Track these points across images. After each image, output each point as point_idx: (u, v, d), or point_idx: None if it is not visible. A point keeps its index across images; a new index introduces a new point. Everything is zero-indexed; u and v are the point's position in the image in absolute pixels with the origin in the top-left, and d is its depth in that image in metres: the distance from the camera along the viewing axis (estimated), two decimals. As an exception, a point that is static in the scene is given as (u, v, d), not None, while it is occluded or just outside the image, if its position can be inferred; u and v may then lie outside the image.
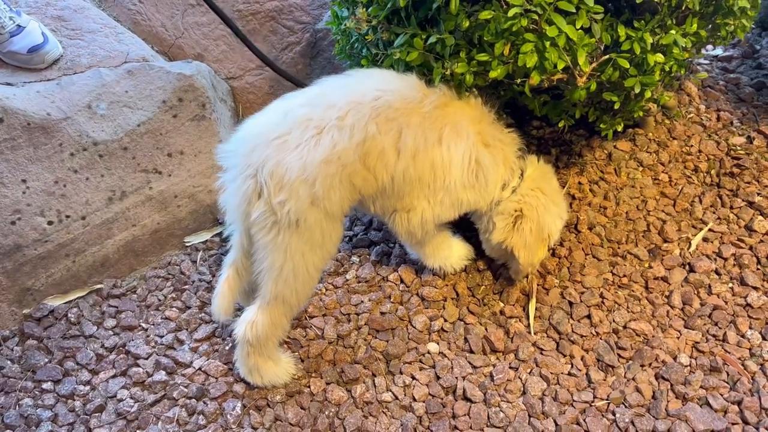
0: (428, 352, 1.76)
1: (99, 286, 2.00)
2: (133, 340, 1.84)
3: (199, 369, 1.76)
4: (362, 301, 1.89)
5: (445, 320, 1.83)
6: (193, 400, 1.68)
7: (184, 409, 1.67)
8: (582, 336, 1.77)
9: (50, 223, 1.90)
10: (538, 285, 1.89)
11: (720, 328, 1.75)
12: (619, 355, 1.72)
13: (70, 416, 1.68)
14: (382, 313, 1.85)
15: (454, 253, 1.90)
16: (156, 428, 1.63)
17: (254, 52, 2.26)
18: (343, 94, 1.55)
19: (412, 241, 1.84)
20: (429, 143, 1.58)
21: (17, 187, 1.85)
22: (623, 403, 1.62)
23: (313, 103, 1.54)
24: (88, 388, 1.74)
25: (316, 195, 1.49)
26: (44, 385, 1.75)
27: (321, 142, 1.49)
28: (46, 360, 1.81)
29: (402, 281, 1.93)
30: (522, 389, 1.67)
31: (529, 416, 1.61)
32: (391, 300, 1.88)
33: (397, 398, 1.67)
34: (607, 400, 1.62)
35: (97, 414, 1.68)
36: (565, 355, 1.74)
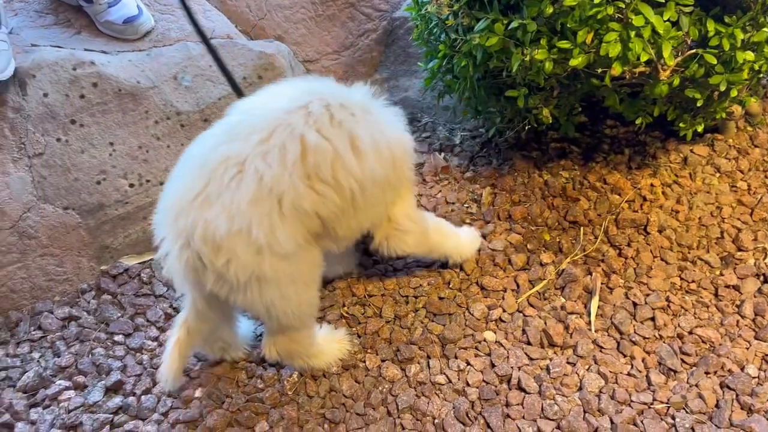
0: (484, 340, 1.76)
1: (171, 250, 2.08)
2: (199, 303, 1.92)
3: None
4: (421, 285, 1.90)
5: (504, 310, 1.82)
6: (254, 364, 1.74)
7: (243, 372, 1.73)
8: (644, 338, 1.73)
9: (131, 185, 2.00)
10: (602, 283, 1.85)
11: (793, 342, 1.68)
12: (682, 360, 1.67)
13: (138, 368, 1.77)
14: (440, 298, 1.86)
15: (463, 237, 1.87)
16: (216, 389, 1.69)
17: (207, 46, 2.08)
18: (268, 111, 1.33)
19: (421, 252, 1.77)
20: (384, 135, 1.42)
21: (105, 149, 1.96)
22: (684, 408, 1.57)
23: (232, 137, 1.30)
24: (155, 344, 1.83)
25: (257, 243, 1.28)
26: (116, 338, 1.85)
27: (244, 180, 1.26)
28: (119, 314, 1.91)
29: (462, 269, 1.93)
30: (578, 384, 1.64)
31: (585, 412, 1.58)
32: (450, 286, 1.89)
33: (450, 381, 1.68)
34: (667, 403, 1.58)
35: (162, 368, 1.76)
36: (625, 356, 1.70)
